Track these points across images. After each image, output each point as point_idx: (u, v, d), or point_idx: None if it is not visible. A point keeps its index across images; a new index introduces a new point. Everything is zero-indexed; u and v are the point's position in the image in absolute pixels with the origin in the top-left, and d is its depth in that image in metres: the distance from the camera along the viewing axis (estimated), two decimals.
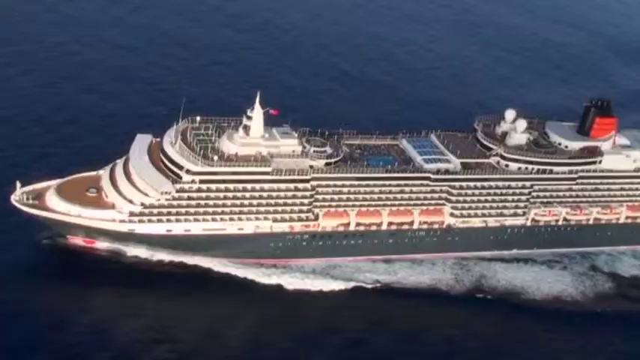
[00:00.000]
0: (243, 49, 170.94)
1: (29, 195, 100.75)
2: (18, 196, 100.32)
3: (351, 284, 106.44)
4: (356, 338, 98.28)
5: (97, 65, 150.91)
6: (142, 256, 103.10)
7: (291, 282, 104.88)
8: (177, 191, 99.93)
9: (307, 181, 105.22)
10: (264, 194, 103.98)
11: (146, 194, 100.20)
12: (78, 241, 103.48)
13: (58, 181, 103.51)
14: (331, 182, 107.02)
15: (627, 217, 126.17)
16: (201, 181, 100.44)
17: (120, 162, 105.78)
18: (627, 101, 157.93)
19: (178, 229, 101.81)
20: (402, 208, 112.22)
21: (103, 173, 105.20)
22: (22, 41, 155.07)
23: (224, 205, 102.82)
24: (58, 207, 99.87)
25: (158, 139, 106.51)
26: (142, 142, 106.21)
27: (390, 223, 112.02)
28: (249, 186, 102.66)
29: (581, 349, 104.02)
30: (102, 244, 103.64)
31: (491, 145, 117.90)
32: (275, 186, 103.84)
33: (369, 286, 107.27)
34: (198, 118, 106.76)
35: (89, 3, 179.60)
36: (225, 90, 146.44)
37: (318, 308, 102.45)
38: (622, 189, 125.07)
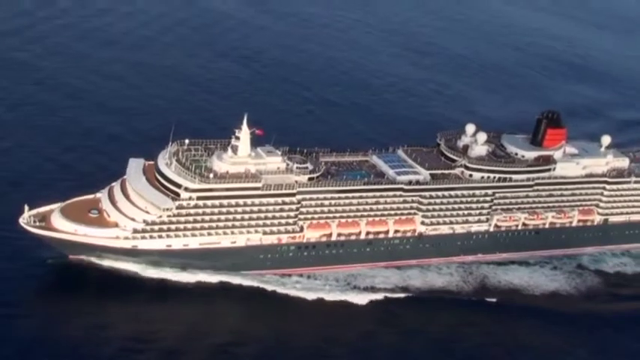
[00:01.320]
0: (225, 77, 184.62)
1: (35, 218, 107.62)
2: (26, 218, 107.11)
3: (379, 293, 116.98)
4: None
5: (85, 95, 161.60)
6: (145, 273, 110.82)
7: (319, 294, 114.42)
8: (177, 208, 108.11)
9: (293, 195, 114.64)
10: (255, 208, 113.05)
11: (147, 212, 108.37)
12: (79, 259, 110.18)
13: (59, 204, 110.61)
14: (314, 195, 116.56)
15: (579, 221, 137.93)
16: (199, 198, 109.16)
17: (116, 184, 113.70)
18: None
19: (177, 244, 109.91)
20: (377, 218, 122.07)
21: (102, 195, 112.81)
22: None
23: (219, 220, 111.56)
24: (65, 228, 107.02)
25: (150, 162, 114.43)
26: (135, 165, 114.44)
27: (367, 233, 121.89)
28: (241, 201, 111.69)
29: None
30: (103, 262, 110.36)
31: (455, 157, 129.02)
32: (265, 200, 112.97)
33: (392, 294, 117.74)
34: (187, 141, 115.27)
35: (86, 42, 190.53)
36: (207, 114, 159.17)
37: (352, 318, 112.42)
38: (573, 194, 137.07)
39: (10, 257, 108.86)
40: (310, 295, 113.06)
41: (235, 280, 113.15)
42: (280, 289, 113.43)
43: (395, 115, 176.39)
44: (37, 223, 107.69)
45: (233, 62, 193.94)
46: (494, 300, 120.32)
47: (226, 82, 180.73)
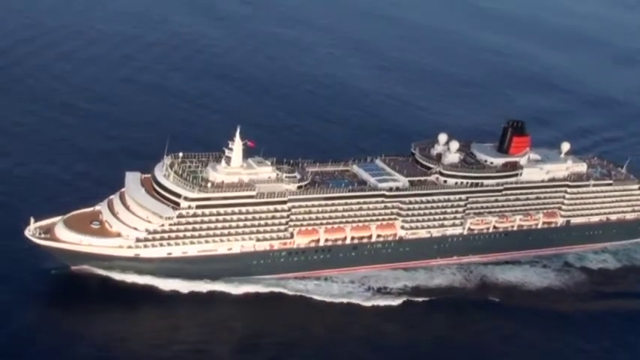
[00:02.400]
0: (207, 94, 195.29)
1: (40, 230, 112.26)
2: (31, 230, 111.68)
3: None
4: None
5: (73, 113, 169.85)
6: (149, 282, 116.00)
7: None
8: (177, 217, 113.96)
9: (285, 202, 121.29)
10: (249, 216, 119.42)
11: (149, 221, 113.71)
12: (81, 270, 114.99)
13: (61, 217, 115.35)
14: (304, 203, 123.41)
15: (544, 223, 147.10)
16: (197, 207, 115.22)
17: (115, 197, 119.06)
18: None
19: (177, 251, 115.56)
20: (361, 224, 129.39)
21: (101, 208, 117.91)
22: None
23: (215, 228, 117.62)
24: (69, 238, 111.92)
25: (146, 175, 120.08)
26: (133, 178, 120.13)
27: (352, 238, 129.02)
28: (236, 209, 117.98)
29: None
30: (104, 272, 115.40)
31: (430, 165, 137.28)
32: (258, 208, 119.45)
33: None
34: (180, 154, 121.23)
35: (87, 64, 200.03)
36: (195, 129, 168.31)
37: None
38: (538, 198, 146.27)
39: (14, 269, 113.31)
40: (345, 300, 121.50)
41: (255, 287, 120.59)
42: (311, 295, 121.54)
43: (369, 127, 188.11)
44: (42, 235, 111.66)
45: (211, 80, 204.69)
46: (497, 300, 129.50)
47: (209, 99, 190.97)
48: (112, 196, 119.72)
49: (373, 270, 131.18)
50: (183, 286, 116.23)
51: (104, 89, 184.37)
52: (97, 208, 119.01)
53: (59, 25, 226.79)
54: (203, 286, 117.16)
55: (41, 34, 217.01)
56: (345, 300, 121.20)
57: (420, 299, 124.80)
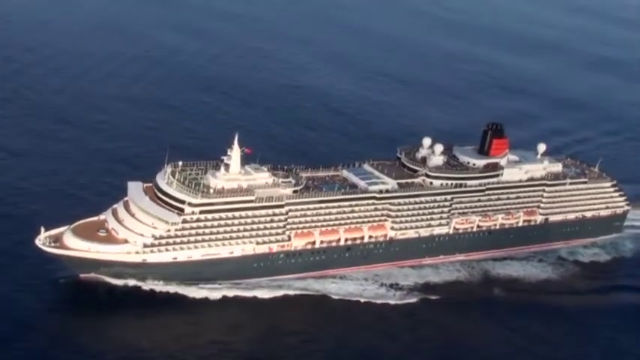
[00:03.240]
0: (196, 105, 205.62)
1: (50, 239, 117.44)
2: (42, 240, 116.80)
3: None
4: None
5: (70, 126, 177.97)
6: (151, 287, 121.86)
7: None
8: (182, 222, 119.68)
9: (282, 206, 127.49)
10: (249, 220, 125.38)
11: (155, 227, 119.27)
12: (90, 277, 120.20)
13: (67, 226, 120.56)
14: (300, 206, 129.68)
15: (524, 221, 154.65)
16: (201, 212, 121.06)
17: (118, 206, 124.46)
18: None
19: (182, 256, 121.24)
20: (353, 225, 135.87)
21: (107, 216, 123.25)
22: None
23: (218, 232, 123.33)
24: (78, 246, 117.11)
25: (148, 184, 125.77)
26: (135, 187, 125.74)
27: (346, 239, 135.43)
28: (237, 214, 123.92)
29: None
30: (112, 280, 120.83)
31: (416, 168, 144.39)
32: (257, 212, 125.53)
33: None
34: (180, 163, 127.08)
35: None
36: (189, 140, 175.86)
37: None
38: (518, 197, 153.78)
39: (24, 277, 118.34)
40: (362, 299, 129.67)
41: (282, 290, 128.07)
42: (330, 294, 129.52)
43: (353, 133, 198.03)
44: (52, 244, 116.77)
45: (197, 92, 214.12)
46: (502, 294, 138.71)
47: (197, 110, 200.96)
48: (115, 205, 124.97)
49: (379, 269, 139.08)
50: (192, 290, 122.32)
51: (96, 104, 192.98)
52: (102, 217, 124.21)
53: (41, 44, 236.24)
54: (215, 290, 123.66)
55: (24, 51, 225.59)
56: (361, 299, 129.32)
57: (431, 294, 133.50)
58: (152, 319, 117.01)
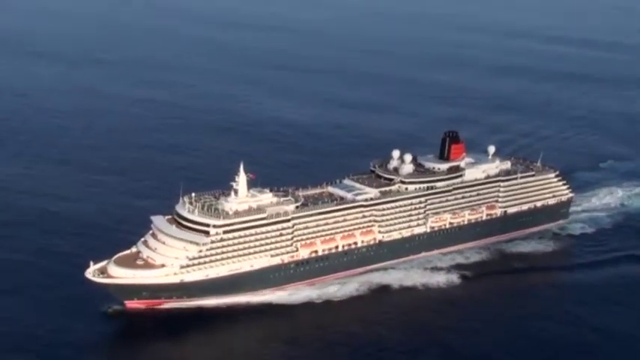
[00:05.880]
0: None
1: (97, 271, 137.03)
2: (91, 272, 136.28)
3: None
4: None
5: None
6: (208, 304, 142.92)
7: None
8: (210, 242, 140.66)
9: (289, 220, 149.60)
10: (263, 236, 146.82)
11: (187, 250, 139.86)
12: (135, 305, 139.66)
13: (107, 260, 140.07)
14: (303, 219, 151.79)
15: (487, 215, 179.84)
16: (224, 232, 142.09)
17: (148, 237, 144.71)
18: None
19: (212, 273, 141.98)
20: (347, 232, 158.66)
21: (139, 248, 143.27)
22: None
23: (239, 249, 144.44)
24: (125, 275, 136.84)
25: (168, 217, 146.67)
26: (159, 220, 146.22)
27: (343, 246, 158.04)
28: (253, 231, 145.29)
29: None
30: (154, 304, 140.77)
31: (391, 177, 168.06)
32: (269, 228, 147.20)
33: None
34: (193, 194, 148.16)
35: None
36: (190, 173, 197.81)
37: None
38: (479, 194, 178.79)
39: (72, 309, 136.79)
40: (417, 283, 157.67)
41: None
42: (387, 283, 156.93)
43: (320, 152, 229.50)
44: (100, 275, 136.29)
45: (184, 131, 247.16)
46: (522, 266, 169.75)
47: (189, 148, 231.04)
48: (144, 238, 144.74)
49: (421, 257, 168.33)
50: (224, 301, 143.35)
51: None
52: (134, 249, 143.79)
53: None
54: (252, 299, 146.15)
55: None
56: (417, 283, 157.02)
57: (469, 272, 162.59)
58: (207, 336, 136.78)
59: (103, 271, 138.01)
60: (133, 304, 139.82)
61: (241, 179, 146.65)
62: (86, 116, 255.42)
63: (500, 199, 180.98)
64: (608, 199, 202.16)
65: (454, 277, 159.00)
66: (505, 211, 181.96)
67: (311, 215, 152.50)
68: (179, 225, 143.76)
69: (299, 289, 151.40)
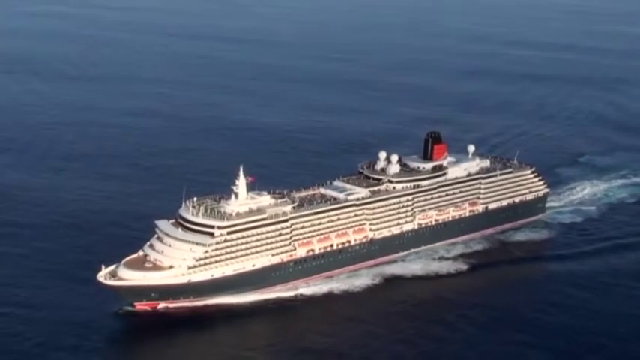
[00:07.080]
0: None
1: (108, 274, 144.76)
2: (103, 275, 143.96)
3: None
4: None
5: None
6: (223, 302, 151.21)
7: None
8: (215, 243, 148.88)
9: (287, 220, 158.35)
10: (264, 236, 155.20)
11: (193, 251, 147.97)
12: (144, 306, 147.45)
13: (116, 264, 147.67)
14: (300, 219, 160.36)
15: (470, 212, 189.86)
16: (228, 233, 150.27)
17: (153, 240, 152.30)
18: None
19: (217, 272, 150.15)
20: (341, 231, 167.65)
21: (146, 251, 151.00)
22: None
23: (241, 249, 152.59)
24: (135, 277, 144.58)
25: (172, 220, 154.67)
26: (163, 224, 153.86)
27: (337, 244, 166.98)
28: (254, 231, 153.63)
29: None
30: (163, 305, 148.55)
31: (379, 177, 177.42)
32: (269, 228, 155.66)
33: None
34: (195, 199, 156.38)
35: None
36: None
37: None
38: (461, 191, 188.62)
39: (85, 310, 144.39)
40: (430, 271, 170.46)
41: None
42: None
43: (304, 156, 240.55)
44: (112, 278, 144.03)
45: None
46: (521, 254, 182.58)
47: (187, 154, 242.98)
48: (150, 241, 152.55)
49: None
50: (237, 299, 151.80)
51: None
52: (141, 253, 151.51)
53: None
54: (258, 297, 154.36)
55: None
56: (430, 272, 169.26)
57: (474, 260, 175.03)
58: (216, 333, 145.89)
59: (113, 274, 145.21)
60: (142, 305, 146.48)
61: (241, 182, 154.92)
62: (82, 126, 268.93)
63: (481, 196, 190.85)
64: (590, 190, 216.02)
65: (455, 267, 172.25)
66: (486, 207, 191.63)
67: (307, 215, 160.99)
68: (184, 228, 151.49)
69: (298, 285, 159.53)
